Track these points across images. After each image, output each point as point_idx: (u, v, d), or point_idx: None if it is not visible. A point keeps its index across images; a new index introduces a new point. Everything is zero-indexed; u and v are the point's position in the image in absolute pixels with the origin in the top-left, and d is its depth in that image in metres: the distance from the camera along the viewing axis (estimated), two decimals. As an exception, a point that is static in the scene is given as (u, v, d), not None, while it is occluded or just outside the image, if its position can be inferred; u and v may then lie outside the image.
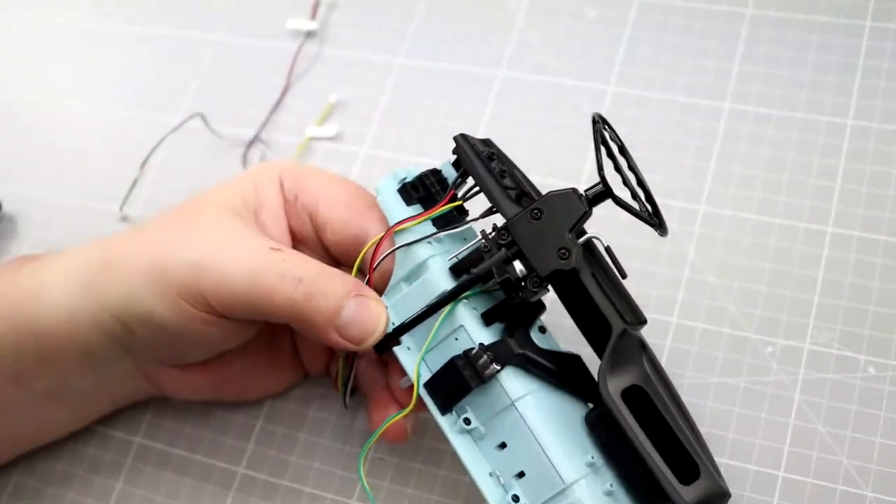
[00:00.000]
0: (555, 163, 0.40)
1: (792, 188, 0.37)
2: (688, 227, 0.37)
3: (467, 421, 0.29)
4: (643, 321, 0.30)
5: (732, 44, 0.41)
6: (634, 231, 0.37)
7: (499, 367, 0.28)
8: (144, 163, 0.44)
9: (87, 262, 0.32)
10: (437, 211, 0.30)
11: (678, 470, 0.27)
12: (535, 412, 0.28)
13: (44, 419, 0.36)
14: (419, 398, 0.30)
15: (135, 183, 0.44)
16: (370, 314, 0.30)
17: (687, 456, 0.28)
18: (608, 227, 0.38)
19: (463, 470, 0.29)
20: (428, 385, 0.29)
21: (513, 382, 0.28)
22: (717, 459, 0.33)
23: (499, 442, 0.29)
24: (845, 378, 0.33)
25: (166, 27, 0.49)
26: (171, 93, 0.47)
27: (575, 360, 0.30)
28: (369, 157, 0.43)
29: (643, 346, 0.29)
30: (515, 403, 0.28)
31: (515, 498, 0.28)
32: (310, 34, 0.46)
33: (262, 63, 0.46)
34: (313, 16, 0.46)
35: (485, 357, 0.28)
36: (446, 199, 0.31)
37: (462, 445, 0.29)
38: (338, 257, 0.33)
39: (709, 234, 0.37)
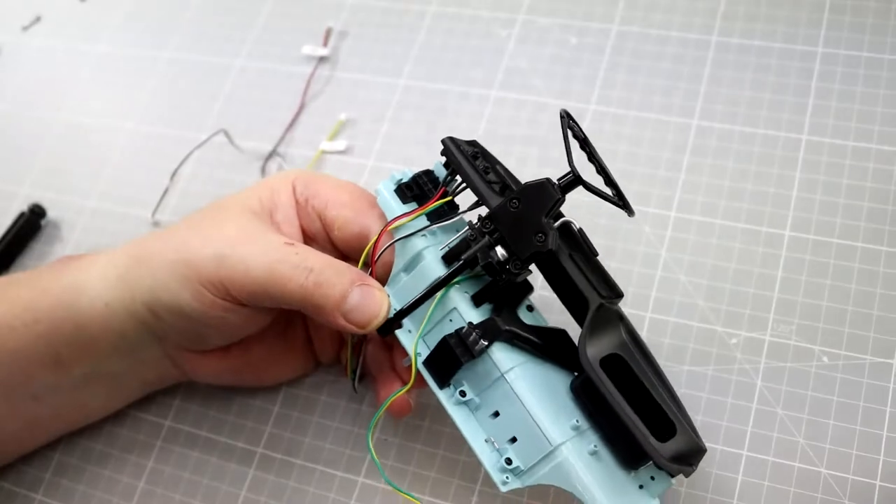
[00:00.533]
0: (541, 174, 0.40)
1: (754, 196, 0.38)
2: (660, 231, 0.38)
3: (462, 393, 0.30)
4: (620, 294, 0.31)
5: (700, 67, 0.41)
6: (612, 234, 0.38)
7: (487, 343, 0.29)
8: (174, 174, 0.45)
9: (122, 258, 0.34)
10: (429, 207, 0.31)
11: (656, 429, 0.28)
12: (522, 382, 0.29)
13: (82, 401, 0.37)
14: (418, 374, 0.30)
15: (165, 191, 0.45)
16: (373, 300, 0.31)
17: (664, 416, 0.28)
18: (589, 230, 0.38)
19: (461, 445, 0.29)
20: (426, 362, 0.30)
21: (501, 356, 0.29)
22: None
23: (492, 411, 0.30)
24: (802, 366, 0.34)
25: (194, 53, 0.49)
26: (197, 112, 0.47)
27: (560, 334, 0.31)
28: (375, 168, 0.43)
29: (621, 318, 0.30)
30: (504, 375, 0.29)
31: (508, 461, 0.29)
32: (322, 59, 0.47)
33: (279, 85, 0.47)
34: (325, 43, 0.47)
35: (474, 335, 0.29)
36: (437, 196, 0.31)
37: (459, 415, 0.30)
38: (345, 252, 0.34)
39: (679, 237, 0.37)
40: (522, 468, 0.29)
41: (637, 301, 0.36)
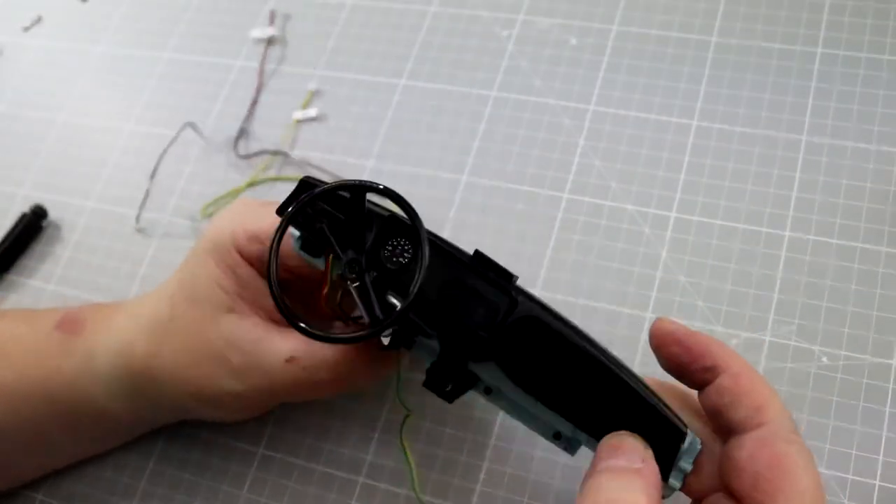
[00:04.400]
0: (541, 174, 0.40)
1: (753, 197, 0.37)
2: (660, 232, 0.37)
3: (487, 389, 0.28)
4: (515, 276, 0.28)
5: (700, 68, 0.41)
6: (612, 235, 0.38)
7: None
8: (153, 173, 0.45)
9: (127, 367, 0.33)
10: (330, 267, 0.28)
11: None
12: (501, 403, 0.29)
13: (95, 450, 0.38)
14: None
15: (147, 193, 0.45)
16: (386, 367, 0.32)
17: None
18: (589, 231, 0.38)
19: (461, 444, 0.29)
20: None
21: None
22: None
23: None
24: (801, 367, 0.33)
25: (195, 54, 0.49)
26: (198, 112, 0.47)
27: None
28: (376, 169, 0.43)
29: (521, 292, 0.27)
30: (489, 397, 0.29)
31: (557, 434, 0.28)
32: (271, 40, 0.48)
33: (235, 71, 0.47)
34: (271, 22, 0.48)
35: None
36: (328, 266, 0.28)
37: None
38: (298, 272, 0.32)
39: (679, 237, 0.37)
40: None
41: (637, 302, 0.36)
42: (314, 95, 0.45)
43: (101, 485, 0.38)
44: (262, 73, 0.46)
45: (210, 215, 0.43)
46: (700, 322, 0.35)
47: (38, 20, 0.54)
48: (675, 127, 0.40)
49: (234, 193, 0.43)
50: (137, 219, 0.44)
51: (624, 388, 0.26)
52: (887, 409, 0.32)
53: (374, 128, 0.44)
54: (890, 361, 0.33)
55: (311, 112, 0.45)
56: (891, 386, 0.33)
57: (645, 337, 0.35)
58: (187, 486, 0.37)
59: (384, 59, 0.46)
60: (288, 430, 0.37)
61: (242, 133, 0.45)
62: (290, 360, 0.30)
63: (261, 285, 0.32)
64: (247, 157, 0.44)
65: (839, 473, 0.31)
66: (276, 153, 0.44)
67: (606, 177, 0.40)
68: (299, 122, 0.45)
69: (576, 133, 0.41)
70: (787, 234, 0.36)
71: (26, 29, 0.54)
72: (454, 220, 0.40)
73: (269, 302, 0.29)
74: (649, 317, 0.36)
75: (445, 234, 0.40)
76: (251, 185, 0.44)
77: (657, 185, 0.39)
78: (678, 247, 0.37)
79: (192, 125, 0.45)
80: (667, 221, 0.38)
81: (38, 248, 0.45)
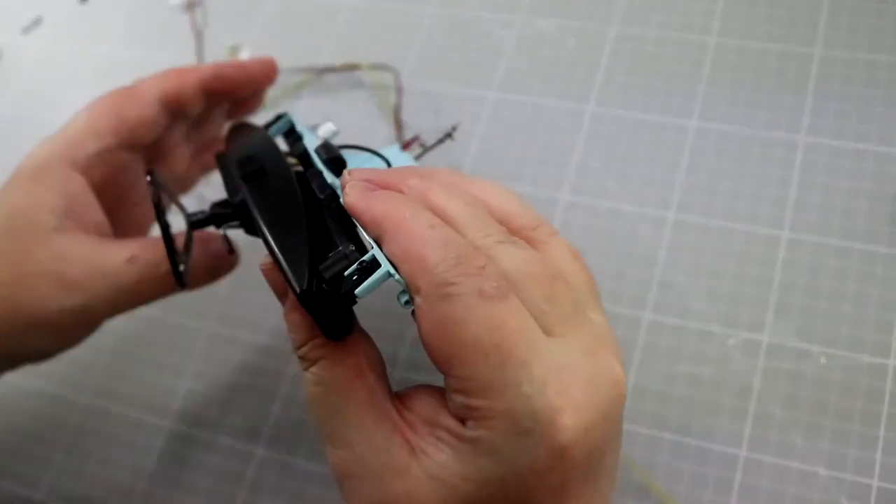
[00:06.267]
0: (539, 174, 0.40)
1: (752, 197, 0.37)
2: (659, 233, 0.37)
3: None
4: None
5: (698, 69, 0.41)
6: (610, 235, 0.38)
7: None
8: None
9: None
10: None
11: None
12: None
13: None
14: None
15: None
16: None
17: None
18: (585, 231, 0.38)
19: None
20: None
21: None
22: (684, 440, 0.33)
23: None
24: (800, 367, 0.33)
25: (194, 55, 0.49)
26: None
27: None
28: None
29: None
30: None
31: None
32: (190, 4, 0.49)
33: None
34: None
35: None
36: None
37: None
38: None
39: (678, 238, 0.37)
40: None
41: (635, 302, 0.36)
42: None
43: (101, 485, 0.38)
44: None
45: None
46: (697, 322, 0.35)
47: (38, 21, 0.54)
48: (673, 127, 0.40)
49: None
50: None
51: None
52: (885, 409, 0.32)
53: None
54: (888, 361, 0.33)
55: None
56: (889, 386, 0.32)
57: (644, 337, 0.35)
58: (187, 486, 0.37)
59: (385, 59, 0.46)
60: (288, 430, 0.37)
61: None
62: (130, 259, 0.31)
63: (91, 200, 0.32)
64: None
65: (837, 473, 0.31)
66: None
67: (604, 177, 0.40)
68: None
69: (574, 133, 0.41)
70: (785, 234, 0.36)
71: (25, 30, 0.54)
72: (453, 221, 0.40)
73: (97, 218, 0.32)
74: (647, 317, 0.36)
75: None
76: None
77: (655, 186, 0.39)
78: (676, 247, 0.37)
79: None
80: (665, 222, 0.38)
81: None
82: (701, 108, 0.40)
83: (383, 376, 0.25)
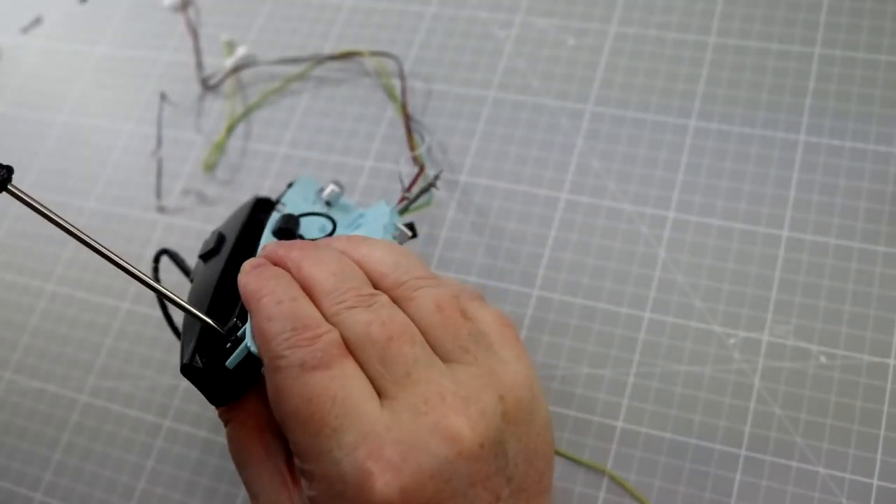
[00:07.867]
0: (539, 174, 0.40)
1: (751, 197, 0.37)
2: (658, 232, 0.37)
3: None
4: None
5: (698, 68, 0.41)
6: (609, 235, 0.38)
7: None
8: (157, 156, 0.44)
9: None
10: None
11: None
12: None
13: None
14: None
15: (159, 172, 0.44)
16: None
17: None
18: (587, 231, 0.38)
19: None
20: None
21: None
22: (685, 440, 0.33)
23: None
24: (799, 366, 0.33)
25: (193, 55, 0.49)
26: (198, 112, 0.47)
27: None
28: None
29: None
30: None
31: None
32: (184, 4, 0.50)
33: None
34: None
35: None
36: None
37: None
38: None
39: (677, 237, 0.37)
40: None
41: (635, 301, 0.36)
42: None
43: (101, 484, 0.38)
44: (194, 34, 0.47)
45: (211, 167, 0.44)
46: (697, 322, 0.35)
47: (37, 21, 0.54)
48: (672, 127, 0.40)
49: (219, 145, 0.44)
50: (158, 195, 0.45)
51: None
52: (885, 409, 0.32)
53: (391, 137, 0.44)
54: (887, 361, 0.33)
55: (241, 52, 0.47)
56: (888, 385, 0.32)
57: (643, 337, 0.35)
58: (186, 485, 0.37)
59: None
60: (287, 430, 0.37)
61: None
62: None
63: None
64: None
65: (837, 473, 0.31)
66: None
67: (604, 177, 0.40)
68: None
69: (574, 133, 0.41)
70: (784, 233, 0.36)
71: (25, 30, 0.54)
72: (452, 221, 0.40)
73: None
74: (647, 317, 0.36)
75: (445, 235, 0.40)
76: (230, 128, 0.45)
77: (655, 185, 0.39)
78: (676, 247, 0.37)
79: (162, 94, 0.46)
80: (664, 221, 0.38)
81: (37, 248, 0.45)
82: (700, 107, 0.40)
83: (279, 435, 0.26)
